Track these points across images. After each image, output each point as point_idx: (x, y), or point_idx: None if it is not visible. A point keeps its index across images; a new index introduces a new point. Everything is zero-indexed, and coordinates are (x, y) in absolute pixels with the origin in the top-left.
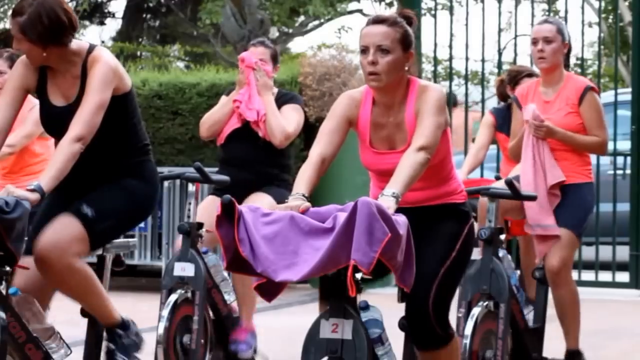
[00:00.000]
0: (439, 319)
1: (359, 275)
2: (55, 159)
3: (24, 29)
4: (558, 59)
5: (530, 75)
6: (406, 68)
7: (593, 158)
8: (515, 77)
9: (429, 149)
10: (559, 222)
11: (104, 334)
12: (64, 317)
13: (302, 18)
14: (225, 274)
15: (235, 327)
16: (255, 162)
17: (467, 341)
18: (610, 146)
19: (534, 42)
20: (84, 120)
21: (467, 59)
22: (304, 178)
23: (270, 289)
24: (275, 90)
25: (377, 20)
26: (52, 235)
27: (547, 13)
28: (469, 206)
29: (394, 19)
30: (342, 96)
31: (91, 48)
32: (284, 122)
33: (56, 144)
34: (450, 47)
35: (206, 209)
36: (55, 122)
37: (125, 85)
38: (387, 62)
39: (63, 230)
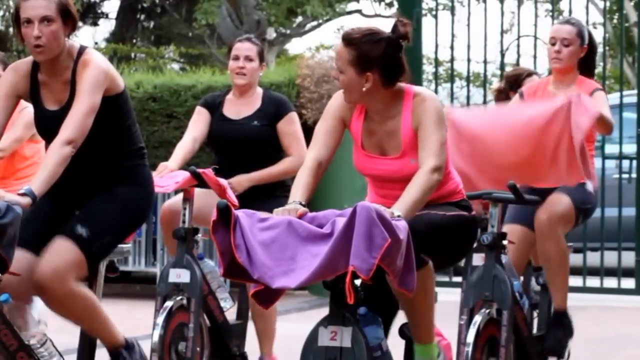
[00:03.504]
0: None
1: (358, 282)
2: (46, 162)
3: (64, 5)
4: (573, 62)
5: (530, 74)
6: (363, 89)
7: (598, 162)
8: (516, 80)
9: (442, 169)
10: (558, 190)
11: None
12: (56, 325)
13: (299, 19)
14: (222, 280)
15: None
16: (249, 169)
17: (470, 349)
18: (616, 149)
19: (552, 42)
20: (75, 124)
21: (468, 60)
22: (300, 185)
23: (267, 296)
24: (261, 90)
25: (341, 38)
26: (50, 263)
27: (550, 13)
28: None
29: (352, 37)
30: (336, 96)
31: (81, 50)
32: (294, 156)
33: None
34: (452, 48)
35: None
36: (49, 126)
37: (117, 85)
38: (343, 82)
39: (60, 256)
